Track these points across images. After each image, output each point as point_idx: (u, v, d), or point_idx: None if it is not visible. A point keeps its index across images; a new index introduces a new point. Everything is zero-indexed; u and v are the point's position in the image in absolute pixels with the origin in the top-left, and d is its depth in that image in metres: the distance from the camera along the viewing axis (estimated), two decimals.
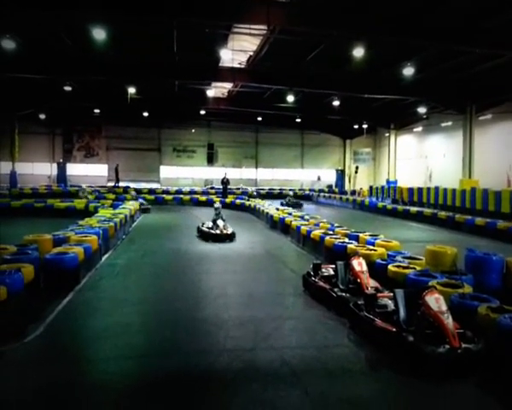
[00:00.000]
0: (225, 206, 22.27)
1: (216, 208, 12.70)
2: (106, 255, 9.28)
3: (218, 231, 11.69)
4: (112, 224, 10.42)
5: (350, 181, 32.97)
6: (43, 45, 16.82)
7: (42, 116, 28.65)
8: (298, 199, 24.75)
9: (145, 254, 9.99)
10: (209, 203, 22.26)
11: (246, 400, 3.66)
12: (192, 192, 26.52)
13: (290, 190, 30.94)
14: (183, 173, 34.19)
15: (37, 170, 32.01)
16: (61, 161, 31.65)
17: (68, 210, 16.50)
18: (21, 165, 28.69)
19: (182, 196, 24.81)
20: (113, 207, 15.88)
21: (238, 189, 28.09)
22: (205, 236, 11.87)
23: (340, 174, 34.00)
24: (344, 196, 26.89)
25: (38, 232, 8.29)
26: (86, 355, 4.66)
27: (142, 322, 5.58)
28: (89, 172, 32.81)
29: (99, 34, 13.62)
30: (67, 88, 20.48)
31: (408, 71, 17.04)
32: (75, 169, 32.19)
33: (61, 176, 30.57)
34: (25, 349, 4.54)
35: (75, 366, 4.31)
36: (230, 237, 11.68)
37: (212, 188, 29.22)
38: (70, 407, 3.55)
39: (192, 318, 5.61)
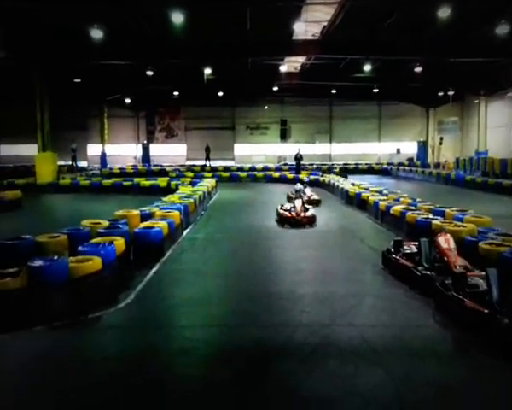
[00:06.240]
0: (299, 182, 22.09)
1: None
2: (187, 230, 9.73)
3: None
4: (192, 200, 10.87)
5: (433, 153, 30.77)
6: (125, 33, 17.75)
7: (127, 100, 30.57)
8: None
9: (223, 229, 10.31)
10: (282, 179, 22.24)
11: (324, 375, 3.62)
12: (265, 169, 26.69)
13: (366, 164, 29.93)
14: (257, 150, 34.51)
15: (124, 151, 34.45)
16: (145, 142, 33.69)
17: (152, 188, 17.54)
18: (110, 147, 31.07)
19: (255, 172, 25.09)
20: (192, 184, 16.57)
21: (311, 164, 27.70)
22: None
23: (422, 146, 31.85)
24: (426, 170, 25.27)
25: (127, 208, 8.94)
26: (172, 322, 4.97)
27: (222, 293, 5.78)
28: (169, 152, 34.56)
29: (177, 18, 14.06)
30: (149, 73, 21.50)
31: (501, 29, 15.15)
32: (157, 149, 34.12)
33: (146, 156, 32.64)
34: (118, 315, 4.95)
35: (162, 331, 4.62)
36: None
37: (285, 164, 29.15)
38: (155, 371, 3.79)
39: (268, 292, 5.68)
